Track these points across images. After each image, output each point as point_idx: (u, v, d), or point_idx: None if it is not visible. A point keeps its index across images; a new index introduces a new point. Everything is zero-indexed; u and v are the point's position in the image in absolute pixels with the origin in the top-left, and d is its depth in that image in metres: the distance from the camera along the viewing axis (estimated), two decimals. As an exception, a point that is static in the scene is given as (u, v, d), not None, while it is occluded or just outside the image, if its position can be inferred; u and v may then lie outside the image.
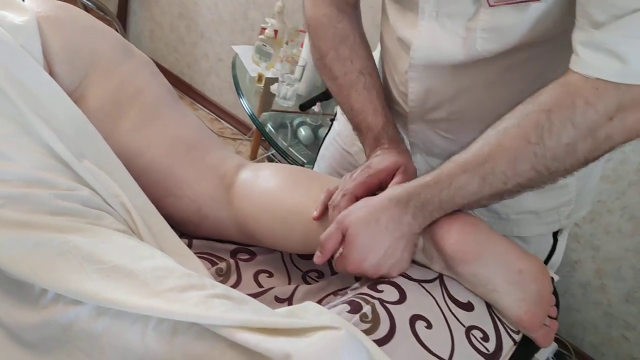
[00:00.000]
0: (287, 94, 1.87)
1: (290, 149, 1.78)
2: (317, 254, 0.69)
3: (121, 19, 2.97)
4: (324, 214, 0.73)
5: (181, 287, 0.52)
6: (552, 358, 1.93)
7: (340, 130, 1.07)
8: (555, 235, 0.95)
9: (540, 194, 0.76)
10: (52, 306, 0.54)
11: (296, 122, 1.84)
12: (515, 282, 0.67)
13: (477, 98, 0.77)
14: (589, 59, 0.59)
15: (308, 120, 1.85)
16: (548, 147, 0.60)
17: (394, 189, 0.69)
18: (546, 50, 0.71)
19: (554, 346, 2.12)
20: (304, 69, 1.89)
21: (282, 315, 0.52)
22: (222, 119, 2.86)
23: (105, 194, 0.69)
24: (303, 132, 1.81)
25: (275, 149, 1.81)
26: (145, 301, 0.50)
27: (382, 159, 0.77)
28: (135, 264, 0.54)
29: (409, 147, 0.88)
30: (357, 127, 0.85)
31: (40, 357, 0.55)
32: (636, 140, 1.74)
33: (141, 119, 0.81)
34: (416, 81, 0.81)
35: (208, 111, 2.90)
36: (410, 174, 0.75)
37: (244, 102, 1.92)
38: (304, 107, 1.87)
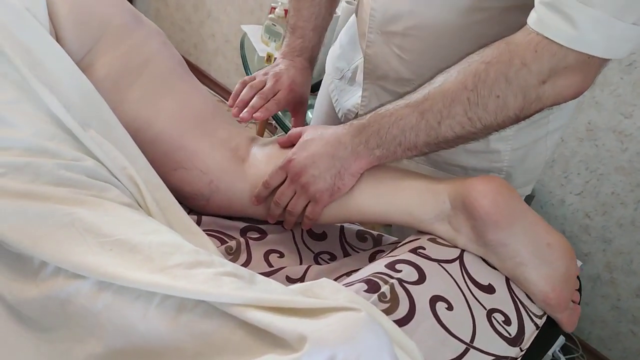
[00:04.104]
0: (296, 75, 1.83)
1: (299, 131, 1.74)
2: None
3: (128, -3, 2.92)
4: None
5: (188, 264, 0.49)
6: (559, 351, 1.91)
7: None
8: None
9: (471, 153, 0.86)
10: (51, 280, 0.51)
11: (305, 104, 1.79)
12: (543, 256, 0.66)
13: (433, 17, 0.79)
14: (543, 16, 0.61)
15: (318, 102, 1.81)
16: (480, 96, 0.64)
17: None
18: None
19: (561, 339, 2.09)
20: (314, 50, 1.84)
21: (295, 294, 0.49)
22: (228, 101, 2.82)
23: (111, 166, 0.66)
24: (312, 114, 1.76)
25: (284, 131, 1.77)
26: (149, 276, 0.47)
27: (289, 77, 0.95)
28: (140, 238, 0.51)
29: (361, 81, 0.99)
30: (294, 27, 0.99)
31: (42, 334, 0.52)
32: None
33: (150, 89, 0.79)
34: None
35: (214, 93, 2.86)
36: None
37: (252, 82, 1.87)
38: (314, 88, 1.82)
